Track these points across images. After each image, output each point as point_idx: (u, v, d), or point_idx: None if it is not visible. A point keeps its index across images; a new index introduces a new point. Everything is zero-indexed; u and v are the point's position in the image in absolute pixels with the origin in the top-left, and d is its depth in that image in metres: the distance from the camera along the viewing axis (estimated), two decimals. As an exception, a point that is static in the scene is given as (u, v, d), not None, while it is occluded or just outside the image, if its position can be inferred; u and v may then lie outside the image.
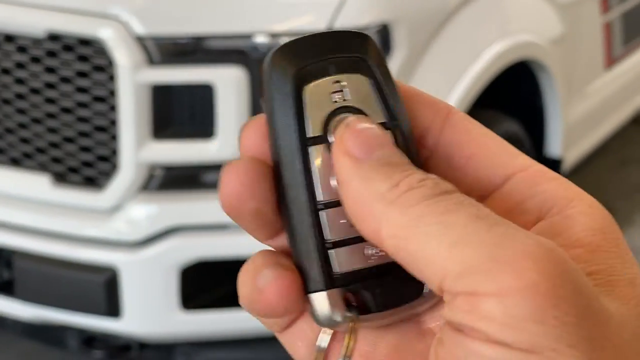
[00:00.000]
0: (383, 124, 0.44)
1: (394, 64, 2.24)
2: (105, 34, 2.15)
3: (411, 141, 0.45)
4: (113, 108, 2.17)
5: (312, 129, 0.44)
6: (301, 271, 0.44)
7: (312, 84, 0.44)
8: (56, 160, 2.26)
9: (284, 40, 2.18)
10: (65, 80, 2.21)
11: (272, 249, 0.46)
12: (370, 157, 0.42)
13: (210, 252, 2.21)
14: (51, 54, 2.21)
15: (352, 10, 2.21)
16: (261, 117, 0.45)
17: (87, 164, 2.23)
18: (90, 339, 2.36)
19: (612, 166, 3.91)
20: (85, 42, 2.18)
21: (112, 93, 2.17)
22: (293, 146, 0.44)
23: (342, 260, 0.44)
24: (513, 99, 2.85)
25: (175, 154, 2.19)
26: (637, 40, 3.40)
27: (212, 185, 2.22)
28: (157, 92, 2.16)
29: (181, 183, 2.22)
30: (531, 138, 2.83)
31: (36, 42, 2.22)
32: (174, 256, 2.19)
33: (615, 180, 3.82)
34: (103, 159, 2.22)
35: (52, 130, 2.25)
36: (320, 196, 0.44)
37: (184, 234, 2.19)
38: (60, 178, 2.25)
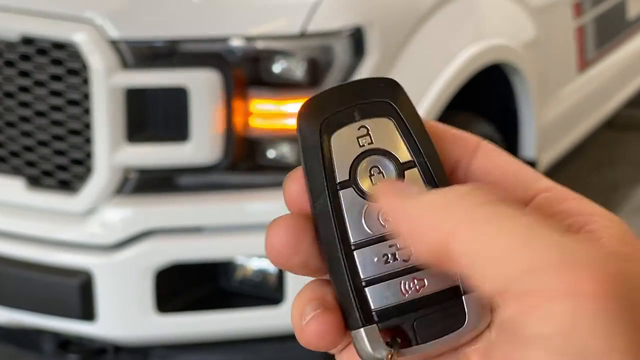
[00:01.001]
0: (410, 162, 0.47)
1: (367, 67, 2.25)
2: (79, 37, 2.15)
3: (440, 175, 0.47)
4: (87, 111, 2.18)
5: (341, 174, 0.46)
6: (342, 309, 0.46)
7: (338, 132, 0.47)
8: (30, 163, 2.26)
9: (260, 43, 2.19)
10: (39, 83, 2.21)
11: (324, 279, 0.48)
12: (412, 190, 0.44)
13: (184, 255, 2.21)
14: (25, 57, 2.21)
15: (325, 13, 2.22)
16: (300, 169, 0.48)
17: (62, 168, 2.23)
18: (65, 342, 2.35)
19: (588, 168, 3.94)
20: (59, 45, 2.18)
21: (86, 96, 2.17)
22: (324, 191, 0.46)
23: (378, 297, 0.46)
24: (487, 101, 2.86)
25: (150, 157, 2.19)
26: (609, 43, 3.42)
27: (187, 188, 2.22)
28: (131, 96, 2.16)
29: (155, 186, 2.22)
30: (505, 140, 2.85)
31: (10, 45, 2.22)
32: (149, 259, 2.19)
33: (591, 182, 3.85)
34: (77, 162, 2.22)
35: (26, 134, 2.24)
36: (353, 237, 0.46)
37: (158, 237, 2.19)
38: (35, 181, 2.25)
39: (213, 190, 2.22)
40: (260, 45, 2.20)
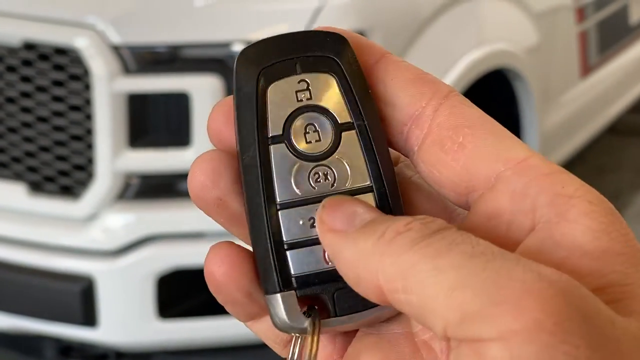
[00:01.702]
0: (348, 124, 0.44)
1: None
2: (81, 43, 2.15)
3: (379, 139, 0.44)
4: (89, 117, 2.17)
5: (274, 128, 0.44)
6: (259, 272, 0.44)
7: (276, 83, 0.44)
8: (32, 169, 2.25)
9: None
10: (41, 89, 2.21)
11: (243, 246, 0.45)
12: (353, 225, 0.41)
13: (186, 261, 2.21)
14: (27, 63, 2.21)
15: (328, 18, 2.22)
16: (229, 100, 0.45)
17: (63, 173, 2.23)
18: (66, 348, 2.35)
19: (590, 174, 3.93)
20: (61, 51, 2.18)
21: (88, 102, 2.17)
22: (253, 144, 0.43)
23: (299, 263, 0.43)
24: (489, 106, 2.86)
25: (152, 162, 2.19)
26: (612, 49, 3.42)
27: (189, 194, 2.21)
28: (133, 101, 2.16)
29: (157, 192, 2.21)
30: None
31: (12, 51, 2.22)
32: (151, 265, 2.19)
33: (594, 188, 3.84)
34: (79, 167, 2.21)
35: (27, 139, 2.24)
36: (279, 196, 0.43)
37: (160, 243, 2.19)
38: (36, 187, 2.25)
39: (215, 196, 2.21)
40: (262, 50, 2.19)
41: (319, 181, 0.44)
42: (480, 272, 0.36)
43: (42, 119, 2.22)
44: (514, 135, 0.43)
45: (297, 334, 0.44)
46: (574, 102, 3.20)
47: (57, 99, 2.19)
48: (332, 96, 0.44)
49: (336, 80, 0.44)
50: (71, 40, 2.16)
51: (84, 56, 2.15)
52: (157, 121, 2.19)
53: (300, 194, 0.43)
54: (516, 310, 0.34)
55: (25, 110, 2.23)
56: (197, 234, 2.21)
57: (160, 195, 2.21)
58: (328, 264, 0.43)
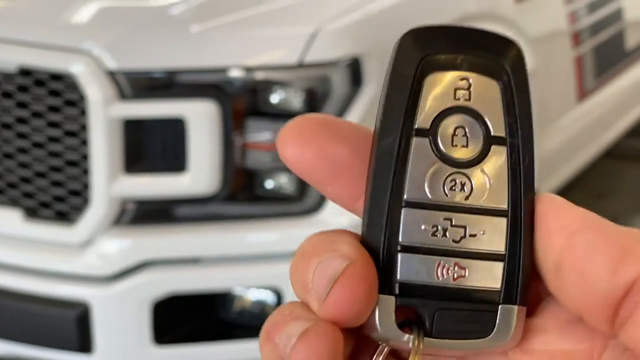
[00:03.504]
0: (501, 139, 0.41)
1: (365, 97, 2.25)
2: (77, 69, 2.15)
3: (528, 166, 0.41)
4: (85, 142, 2.17)
5: (422, 120, 0.41)
6: None
7: (436, 74, 0.41)
8: (28, 195, 2.25)
9: (257, 73, 2.19)
10: (36, 114, 2.21)
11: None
12: None
13: (182, 286, 2.20)
14: (23, 88, 2.21)
15: (323, 43, 2.22)
16: (305, 118, 0.41)
17: (59, 199, 2.23)
18: (62, 375, 2.34)
19: (589, 199, 3.93)
20: (57, 77, 2.18)
21: (84, 127, 2.17)
22: (396, 131, 0.40)
23: (407, 269, 0.40)
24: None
25: (147, 188, 2.19)
26: (609, 73, 3.42)
27: (185, 219, 2.21)
28: (128, 126, 2.16)
29: (153, 217, 2.21)
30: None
31: (7, 77, 2.22)
32: (146, 290, 2.18)
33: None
34: (75, 193, 2.21)
35: (23, 165, 2.24)
36: (407, 192, 0.40)
37: (156, 268, 2.18)
38: (32, 213, 2.24)
39: (211, 221, 2.21)
40: (258, 75, 2.20)
41: (454, 189, 0.41)
42: None
43: (38, 145, 2.22)
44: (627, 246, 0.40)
45: (383, 343, 0.41)
46: (571, 127, 3.20)
47: (53, 124, 2.20)
48: (492, 104, 0.41)
49: (500, 89, 0.41)
50: (67, 66, 2.16)
51: (80, 82, 2.15)
52: (152, 146, 2.19)
53: (430, 197, 0.40)
54: None
55: (21, 136, 2.23)
56: (193, 260, 2.20)
57: (156, 221, 2.21)
58: (439, 279, 0.40)
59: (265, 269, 2.21)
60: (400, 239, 0.40)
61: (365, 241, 0.40)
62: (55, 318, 2.21)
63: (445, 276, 0.40)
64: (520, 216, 0.41)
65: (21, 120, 2.22)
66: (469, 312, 0.40)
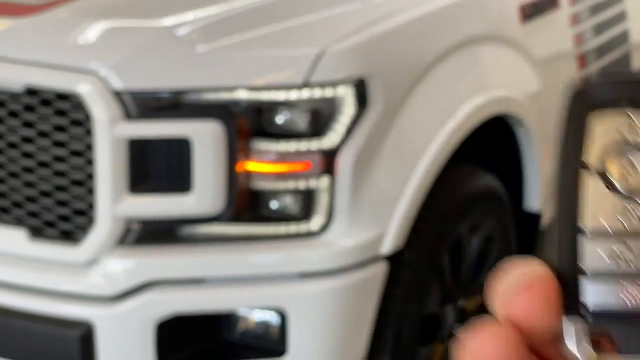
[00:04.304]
0: None
1: (371, 118, 2.25)
2: (84, 89, 2.16)
3: None
4: (90, 162, 2.18)
5: (595, 159, 0.45)
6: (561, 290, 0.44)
7: (608, 117, 0.45)
8: (33, 214, 2.25)
9: (263, 94, 2.20)
10: (43, 134, 2.21)
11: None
12: None
13: (186, 307, 2.20)
14: (29, 108, 2.22)
15: (328, 64, 2.22)
16: (542, 279, 0.44)
17: (64, 218, 2.23)
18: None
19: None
20: (64, 97, 2.19)
21: (90, 147, 2.17)
22: (570, 169, 0.45)
23: (593, 295, 0.44)
24: (491, 153, 2.86)
25: (152, 208, 2.19)
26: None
27: (189, 240, 2.21)
28: (134, 147, 2.16)
29: (158, 237, 2.21)
30: (510, 192, 2.84)
31: (14, 96, 2.23)
32: (151, 311, 2.18)
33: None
34: (80, 213, 2.21)
35: (29, 185, 2.24)
36: (587, 224, 0.44)
37: (160, 289, 2.18)
38: (37, 232, 2.24)
39: (216, 242, 2.21)
40: (263, 96, 2.20)
41: (629, 217, 0.44)
42: None
43: (44, 164, 2.22)
44: None
45: None
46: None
47: (59, 144, 2.20)
48: None
49: None
50: (73, 86, 2.17)
51: (86, 102, 2.15)
52: (158, 167, 2.19)
53: (609, 227, 0.44)
54: None
55: (27, 155, 2.23)
56: (198, 280, 2.20)
57: (161, 241, 2.21)
58: (624, 304, 0.44)
59: (270, 290, 2.20)
60: (585, 266, 0.44)
61: (559, 269, 0.44)
62: (59, 338, 2.20)
63: (630, 300, 0.44)
64: None
65: (27, 140, 2.23)
66: None
